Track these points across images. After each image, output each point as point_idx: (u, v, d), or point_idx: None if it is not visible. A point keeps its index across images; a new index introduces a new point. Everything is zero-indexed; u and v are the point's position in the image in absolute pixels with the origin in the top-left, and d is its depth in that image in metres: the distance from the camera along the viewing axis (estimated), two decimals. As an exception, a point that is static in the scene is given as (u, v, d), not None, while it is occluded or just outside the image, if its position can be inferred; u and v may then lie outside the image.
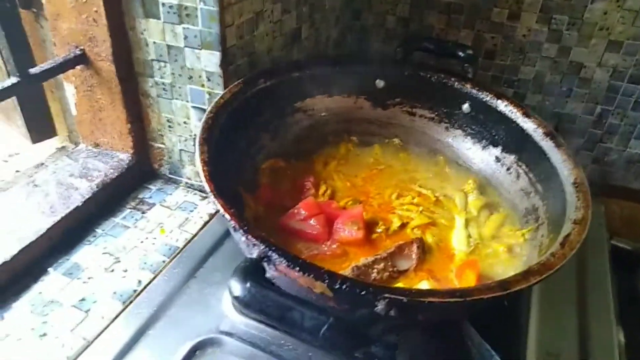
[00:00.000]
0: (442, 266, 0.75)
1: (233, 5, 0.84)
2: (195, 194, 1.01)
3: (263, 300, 0.49)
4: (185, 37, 0.85)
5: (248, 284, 0.50)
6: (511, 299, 0.69)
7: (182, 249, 0.89)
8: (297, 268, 0.55)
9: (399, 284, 0.70)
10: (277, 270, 0.60)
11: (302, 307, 0.48)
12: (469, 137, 0.96)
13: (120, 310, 0.77)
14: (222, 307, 0.77)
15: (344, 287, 0.53)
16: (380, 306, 0.53)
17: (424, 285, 0.67)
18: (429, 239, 0.79)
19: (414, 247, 0.75)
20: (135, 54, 0.91)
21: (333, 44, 1.34)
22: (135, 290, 0.81)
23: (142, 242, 0.90)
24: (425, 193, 0.88)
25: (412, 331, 0.71)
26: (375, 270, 0.71)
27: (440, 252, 0.77)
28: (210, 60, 0.86)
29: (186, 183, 1.03)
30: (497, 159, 0.91)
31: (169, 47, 0.87)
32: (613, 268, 0.98)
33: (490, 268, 0.75)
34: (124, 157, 1.02)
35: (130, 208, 0.97)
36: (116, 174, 0.98)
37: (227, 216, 0.60)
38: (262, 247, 0.57)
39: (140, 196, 1.01)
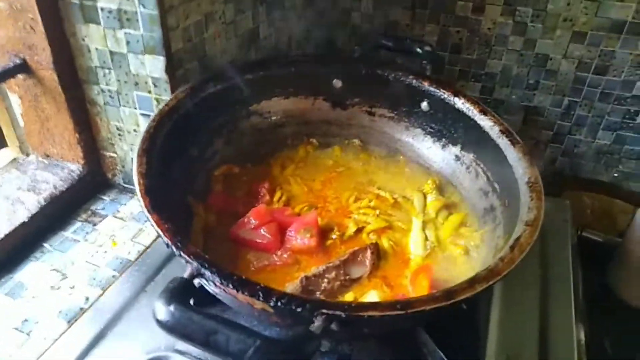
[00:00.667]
0: (397, 272, 0.73)
1: (176, 7, 0.80)
2: (150, 203, 0.98)
3: (187, 323, 0.46)
4: (128, 43, 0.81)
5: (172, 307, 0.47)
6: (468, 303, 0.67)
7: (133, 262, 0.86)
8: (231, 285, 0.52)
9: (350, 294, 0.67)
10: (216, 287, 0.57)
11: (228, 329, 0.45)
12: (428, 136, 0.94)
13: (64, 330, 0.74)
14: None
15: (279, 303, 0.51)
16: (317, 322, 0.50)
17: (372, 295, 0.65)
18: (385, 243, 0.77)
19: (368, 253, 0.73)
20: (77, 61, 0.87)
21: (296, 44, 1.30)
22: (81, 308, 0.78)
23: (92, 256, 0.87)
24: (383, 195, 0.86)
25: (364, 342, 0.69)
26: (326, 280, 0.68)
27: (396, 257, 0.75)
28: (155, 66, 0.82)
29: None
30: (457, 158, 0.89)
31: (111, 53, 0.84)
32: (583, 261, 0.97)
33: (446, 272, 0.73)
34: (75, 167, 0.98)
35: (81, 221, 0.94)
36: (66, 186, 0.95)
37: (160, 232, 0.57)
38: (195, 263, 0.54)
39: (93, 208, 0.97)
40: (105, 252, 0.88)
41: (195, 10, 0.85)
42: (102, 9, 0.79)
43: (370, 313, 0.51)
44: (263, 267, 0.72)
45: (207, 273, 0.53)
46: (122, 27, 0.80)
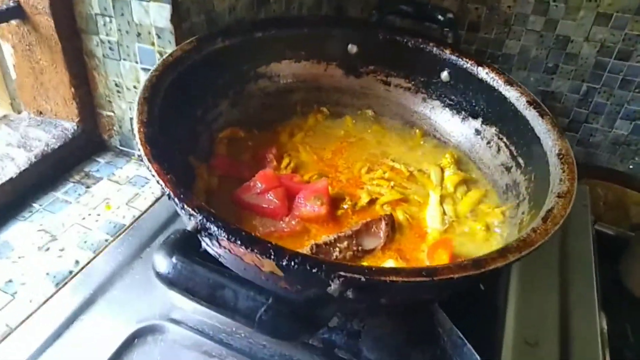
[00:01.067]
0: (413, 246, 0.68)
1: (185, -49, 0.74)
2: (148, 167, 0.92)
3: (190, 277, 0.41)
4: (132, -14, 0.75)
5: (174, 259, 0.42)
6: (488, 281, 0.62)
7: (128, 226, 0.80)
8: (239, 241, 0.47)
9: (363, 264, 0.62)
10: (220, 247, 0.52)
11: (236, 285, 0.40)
12: (447, 109, 0.88)
13: (52, 293, 0.68)
14: (168, 292, 0.68)
15: (292, 264, 0.46)
16: (334, 286, 0.45)
17: (390, 264, 0.60)
18: (400, 216, 0.72)
19: (382, 225, 0.68)
20: (77, 7, 0.81)
21: (307, 12, 1.24)
22: (71, 272, 0.72)
23: (83, 218, 0.81)
24: (398, 167, 0.81)
25: (376, 318, 0.64)
26: (337, 249, 0.63)
27: (412, 230, 0.70)
28: (160, 14, 0.76)
29: (139, 156, 0.94)
30: (477, 132, 0.84)
31: (113, -1, 0.77)
32: (596, 254, 0.92)
33: (466, 248, 0.68)
34: (69, 126, 0.92)
35: (73, 182, 0.88)
36: (59, 144, 0.89)
37: (161, 182, 0.51)
38: (199, 217, 0.48)
39: (87, 169, 0.91)
40: (99, 215, 0.82)
41: (205, -41, 0.79)
42: (105, -51, 0.73)
43: (393, 278, 0.46)
44: (269, 233, 0.66)
45: (213, 227, 0.48)
46: (126, -31, 0.74)
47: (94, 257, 0.74)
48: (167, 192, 0.51)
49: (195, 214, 0.49)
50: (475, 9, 1.25)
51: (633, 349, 1.07)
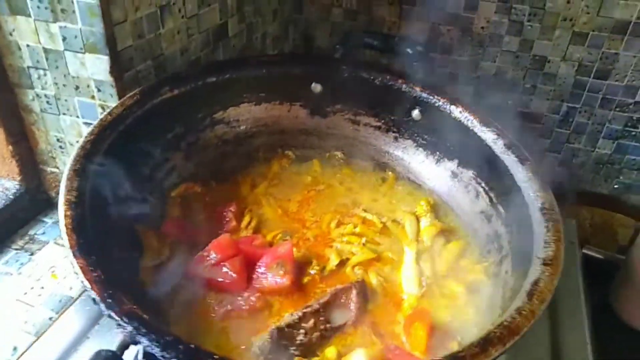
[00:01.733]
0: (388, 317, 0.61)
1: (122, -4, 0.67)
2: (100, 226, 0.84)
3: None
4: (64, 39, 0.68)
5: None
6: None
7: (75, 299, 0.72)
8: (175, 358, 0.40)
9: (331, 348, 0.55)
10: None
11: None
12: (421, 149, 0.82)
13: (-19, 393, 0.60)
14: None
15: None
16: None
17: (359, 355, 0.53)
18: (373, 280, 0.65)
19: (353, 294, 0.61)
20: (6, 60, 0.73)
21: (271, 43, 1.18)
22: (6, 362, 0.64)
23: (25, 293, 0.73)
24: (370, 219, 0.74)
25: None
26: (302, 331, 0.56)
27: (386, 297, 0.63)
28: (97, 67, 0.69)
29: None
30: (454, 175, 0.78)
31: (46, 50, 0.70)
32: (585, 279, 0.88)
33: (446, 314, 0.62)
34: (10, 185, 0.84)
35: (16, 249, 0.80)
36: (-2, 207, 0.80)
37: (85, 282, 0.44)
38: (129, 327, 0.41)
39: (32, 232, 0.83)
40: (42, 287, 0.74)
41: (147, 1, 0.72)
42: (30, -2, 0.65)
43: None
44: (226, 312, 0.59)
45: (145, 341, 0.41)
46: (56, 19, 0.66)
47: (35, 341, 0.66)
48: (92, 297, 0.43)
49: (124, 324, 0.41)
50: (448, 31, 1.20)
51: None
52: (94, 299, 0.44)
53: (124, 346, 0.41)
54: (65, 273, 0.76)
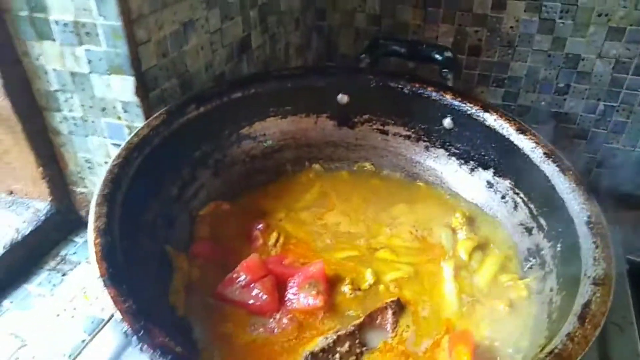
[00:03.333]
0: (426, 337, 0.58)
1: (146, 17, 0.66)
2: (130, 245, 0.84)
3: None
4: (89, 61, 0.68)
5: None
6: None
7: (107, 321, 0.72)
8: (209, 396, 0.38)
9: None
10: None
11: None
12: (454, 158, 0.79)
13: (17, 420, 0.60)
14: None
15: None
16: None
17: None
18: (409, 297, 0.62)
19: (389, 314, 0.59)
20: (34, 84, 0.73)
21: (295, 52, 1.16)
22: (41, 387, 0.64)
23: (58, 315, 0.73)
24: (403, 233, 0.72)
25: None
26: (337, 356, 0.54)
27: (425, 316, 0.61)
28: (123, 87, 0.69)
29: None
30: (489, 184, 0.75)
31: (72, 74, 0.70)
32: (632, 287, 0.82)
33: (488, 334, 0.58)
34: (41, 206, 0.84)
35: (48, 269, 0.80)
36: (31, 229, 0.81)
37: (118, 312, 0.43)
38: (162, 363, 0.40)
39: (63, 252, 0.83)
40: (75, 309, 0.74)
41: (171, 19, 0.71)
42: (56, 22, 0.65)
43: None
44: (257, 336, 0.57)
45: (178, 377, 0.39)
46: (81, 43, 0.66)
47: (69, 366, 0.66)
48: (124, 330, 0.42)
49: (157, 358, 0.40)
50: (475, 32, 1.16)
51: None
52: (125, 332, 0.43)
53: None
54: (97, 293, 0.76)
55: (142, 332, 0.42)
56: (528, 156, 0.67)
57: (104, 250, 0.49)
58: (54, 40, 0.67)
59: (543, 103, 1.19)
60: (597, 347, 0.69)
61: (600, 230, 0.54)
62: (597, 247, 0.53)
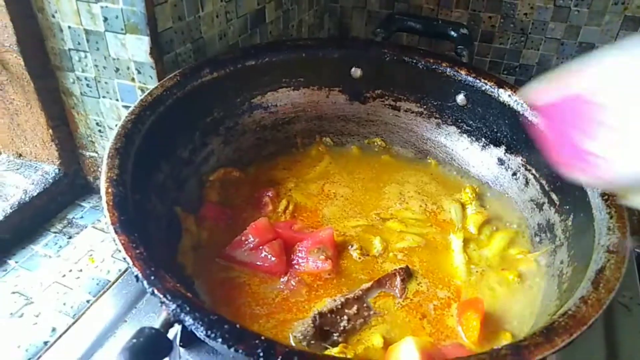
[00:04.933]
0: (435, 304, 0.58)
1: (164, -23, 0.66)
2: (137, 211, 0.84)
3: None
4: (105, 19, 0.67)
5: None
6: None
7: (112, 283, 0.72)
8: (220, 339, 0.38)
9: (377, 335, 0.52)
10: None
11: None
12: (465, 135, 0.79)
13: (22, 372, 0.60)
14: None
15: (286, 366, 0.36)
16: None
17: (409, 344, 0.50)
18: (418, 266, 0.62)
19: (397, 281, 0.58)
20: (49, 42, 0.73)
21: (307, 31, 1.16)
22: (46, 343, 0.64)
23: (64, 276, 0.73)
24: (413, 206, 0.71)
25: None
26: (345, 318, 0.54)
27: (433, 284, 0.60)
28: (138, 48, 0.68)
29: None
30: (501, 161, 0.74)
31: (87, 32, 0.70)
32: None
33: (497, 303, 0.58)
34: (50, 169, 0.84)
35: (55, 232, 0.80)
36: (38, 191, 0.81)
37: (128, 259, 0.43)
38: (172, 306, 0.40)
39: (70, 216, 0.83)
40: (81, 270, 0.74)
41: (188, -17, 0.71)
42: (73, -22, 0.65)
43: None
44: (265, 297, 0.57)
45: (189, 319, 0.39)
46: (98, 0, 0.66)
47: (73, 324, 0.66)
48: (135, 273, 0.42)
49: (168, 302, 0.40)
50: (489, 18, 1.15)
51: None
52: (136, 276, 0.42)
53: (167, 324, 0.39)
54: (103, 256, 0.76)
55: (153, 277, 0.42)
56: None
57: (116, 199, 0.49)
58: (71, -4, 0.67)
59: (554, 91, 1.18)
60: (604, 326, 0.69)
61: (615, 202, 0.54)
62: (611, 217, 0.52)
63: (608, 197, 0.55)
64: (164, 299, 0.40)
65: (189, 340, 0.59)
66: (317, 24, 1.20)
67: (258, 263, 0.59)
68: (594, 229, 0.53)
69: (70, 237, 0.79)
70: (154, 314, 0.67)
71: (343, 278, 0.60)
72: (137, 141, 0.58)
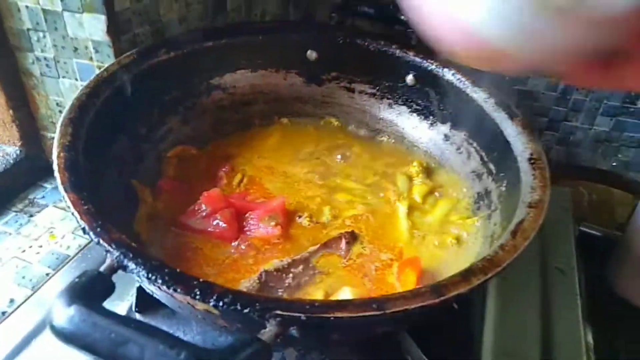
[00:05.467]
0: (378, 265, 0.61)
1: (120, -43, 0.68)
2: (98, 191, 0.86)
3: (90, 331, 0.35)
4: (62, -1, 0.69)
5: (72, 309, 0.35)
6: (461, 300, 0.56)
7: (72, 257, 0.73)
8: (160, 280, 0.41)
9: (319, 291, 0.56)
10: (148, 284, 0.45)
11: (144, 338, 0.34)
12: (414, 114, 0.83)
13: (-21, 339, 0.61)
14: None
15: (221, 303, 0.39)
16: (270, 327, 0.39)
17: (346, 292, 0.54)
18: (364, 232, 0.66)
19: (343, 243, 0.62)
20: (7, 22, 0.74)
21: (270, 20, 1.19)
22: (4, 313, 0.65)
23: (23, 251, 0.74)
24: (364, 179, 0.75)
25: (339, 347, 0.58)
26: (290, 275, 0.57)
27: (377, 247, 0.64)
28: (95, 27, 0.70)
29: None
30: (446, 137, 0.79)
31: (44, 11, 0.71)
32: (581, 257, 0.88)
33: (437, 264, 0.62)
34: (11, 150, 0.85)
35: (15, 211, 0.81)
36: (-1, 171, 0.82)
37: (75, 213, 0.45)
38: (116, 252, 0.42)
39: (31, 196, 0.84)
40: (40, 246, 0.75)
41: (145, -35, 0.73)
42: (30, -42, 0.67)
43: (338, 314, 0.40)
44: (216, 260, 0.60)
45: (131, 264, 0.42)
46: (54, -21, 0.68)
47: (31, 295, 0.68)
48: (82, 226, 0.45)
49: (111, 249, 0.43)
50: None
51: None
52: (83, 229, 0.45)
53: (111, 269, 0.42)
54: (64, 233, 0.78)
55: (99, 229, 0.44)
56: (481, 107, 0.71)
57: (67, 163, 0.51)
58: (28, -25, 0.69)
59: (507, 79, 1.24)
60: (541, 289, 0.74)
61: (539, 165, 0.59)
62: (534, 177, 0.57)
63: (534, 161, 0.60)
64: (109, 248, 0.42)
65: (144, 306, 0.62)
66: (281, 15, 1.23)
67: (210, 229, 0.62)
68: (520, 189, 0.57)
69: (31, 216, 0.81)
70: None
71: (291, 243, 0.63)
72: (91, 113, 0.61)
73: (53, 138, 0.85)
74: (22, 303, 0.67)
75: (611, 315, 1.11)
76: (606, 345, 0.90)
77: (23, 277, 0.70)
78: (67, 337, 0.35)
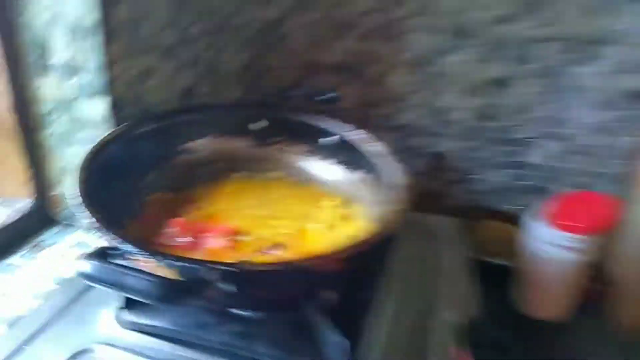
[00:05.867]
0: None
1: (122, 60, 0.99)
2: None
3: (103, 272, 0.58)
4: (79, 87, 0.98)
5: (92, 261, 0.59)
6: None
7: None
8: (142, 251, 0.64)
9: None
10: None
11: (135, 274, 0.57)
12: (335, 165, 1.10)
13: None
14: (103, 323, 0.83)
15: (178, 263, 0.63)
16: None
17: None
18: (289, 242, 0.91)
19: (273, 250, 0.86)
20: (31, 109, 1.02)
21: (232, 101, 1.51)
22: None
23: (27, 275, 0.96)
24: (292, 211, 1.02)
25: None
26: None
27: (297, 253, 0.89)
28: (99, 108, 0.99)
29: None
30: (355, 178, 1.07)
31: (62, 99, 1.00)
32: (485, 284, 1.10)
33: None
34: (24, 205, 1.09)
35: (22, 253, 1.03)
36: (11, 221, 1.05)
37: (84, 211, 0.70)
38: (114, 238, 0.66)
39: (37, 240, 1.07)
40: (47, 273, 0.97)
41: (136, 65, 1.04)
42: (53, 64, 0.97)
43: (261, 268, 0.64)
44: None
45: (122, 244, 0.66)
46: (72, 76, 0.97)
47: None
48: (92, 224, 0.69)
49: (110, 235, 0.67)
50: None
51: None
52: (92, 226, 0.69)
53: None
54: (65, 265, 1.00)
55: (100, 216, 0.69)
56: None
57: (87, 187, 0.76)
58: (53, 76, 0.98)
59: (424, 143, 1.56)
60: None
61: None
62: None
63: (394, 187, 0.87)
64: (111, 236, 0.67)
65: (133, 304, 0.84)
66: (241, 97, 1.56)
67: (176, 244, 0.86)
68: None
69: (38, 252, 1.03)
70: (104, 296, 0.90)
71: (236, 252, 0.87)
72: (93, 168, 0.86)
73: (57, 194, 1.10)
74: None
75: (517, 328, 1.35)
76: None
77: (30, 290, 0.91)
78: (88, 277, 0.58)
